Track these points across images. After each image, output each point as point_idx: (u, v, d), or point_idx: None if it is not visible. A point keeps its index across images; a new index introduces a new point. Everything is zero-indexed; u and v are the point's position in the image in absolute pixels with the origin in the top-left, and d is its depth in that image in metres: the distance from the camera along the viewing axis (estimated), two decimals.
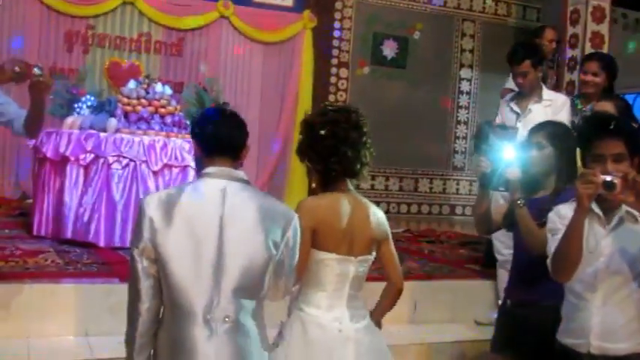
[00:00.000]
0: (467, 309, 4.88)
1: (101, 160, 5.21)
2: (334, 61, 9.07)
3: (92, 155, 5.24)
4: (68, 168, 5.26)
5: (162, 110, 5.64)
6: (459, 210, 9.85)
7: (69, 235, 5.18)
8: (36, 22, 7.57)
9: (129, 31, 8.03)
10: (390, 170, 9.39)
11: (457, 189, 9.86)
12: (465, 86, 9.81)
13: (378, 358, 2.73)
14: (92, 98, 5.80)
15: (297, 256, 2.45)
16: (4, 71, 3.05)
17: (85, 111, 5.70)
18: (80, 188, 5.24)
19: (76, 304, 3.99)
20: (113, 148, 5.23)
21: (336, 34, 9.06)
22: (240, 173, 2.43)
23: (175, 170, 5.35)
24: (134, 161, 5.25)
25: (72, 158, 5.27)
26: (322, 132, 2.64)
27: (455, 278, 5.20)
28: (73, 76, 6.99)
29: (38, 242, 5.15)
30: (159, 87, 5.76)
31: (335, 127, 2.64)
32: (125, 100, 5.58)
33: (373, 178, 9.29)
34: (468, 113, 9.83)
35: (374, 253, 2.75)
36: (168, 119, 5.61)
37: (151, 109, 5.60)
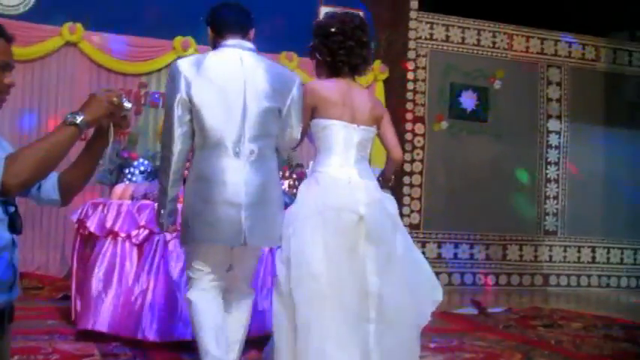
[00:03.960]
0: None
1: (157, 237, 4.28)
2: (409, 115, 8.14)
3: (146, 231, 4.32)
4: (117, 246, 4.37)
5: None
6: (553, 280, 8.67)
7: (117, 328, 4.23)
8: (85, 80, 6.88)
9: None
10: (474, 236, 8.32)
11: (550, 256, 8.69)
12: (553, 139, 8.76)
13: (389, 205, 3.20)
14: (145, 162, 4.94)
15: (301, 110, 3.09)
16: (98, 102, 2.06)
17: (138, 177, 4.85)
18: (132, 271, 4.31)
19: None
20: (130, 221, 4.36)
21: (410, 86, 8.15)
22: (250, 44, 3.08)
23: None
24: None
25: (122, 235, 4.36)
26: (332, 29, 3.19)
27: None
28: (123, 138, 6.19)
29: (81, 340, 4.20)
30: None
31: (343, 25, 3.20)
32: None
33: (456, 246, 8.24)
34: (558, 170, 8.74)
35: (375, 127, 3.28)
36: None
37: None
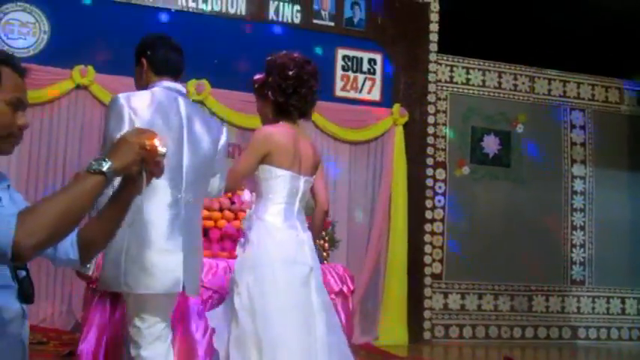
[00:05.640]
0: None
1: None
2: (429, 160, 7.86)
3: None
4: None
5: None
6: (581, 332, 8.27)
7: None
8: (96, 124, 6.58)
9: None
10: (498, 287, 7.98)
11: (578, 307, 8.31)
12: (578, 185, 8.46)
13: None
14: None
15: (227, 161, 3.17)
16: (129, 146, 1.69)
17: None
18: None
19: None
20: None
21: (430, 130, 7.89)
22: (184, 89, 3.08)
23: None
24: (219, 293, 4.01)
25: None
26: (290, 72, 3.20)
27: None
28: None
29: None
30: (246, 195, 4.58)
31: (301, 70, 3.22)
32: (205, 213, 4.40)
33: (480, 297, 7.88)
34: (584, 217, 8.42)
35: (314, 177, 3.32)
36: None
37: (237, 223, 4.42)
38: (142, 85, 3.07)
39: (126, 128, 2.73)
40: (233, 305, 3.08)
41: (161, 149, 1.78)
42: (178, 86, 3.04)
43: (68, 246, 1.90)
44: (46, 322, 6.63)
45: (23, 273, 1.77)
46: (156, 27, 6.87)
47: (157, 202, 2.82)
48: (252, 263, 3.08)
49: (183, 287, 2.88)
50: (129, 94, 2.93)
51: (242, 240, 3.23)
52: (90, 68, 6.66)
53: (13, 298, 1.74)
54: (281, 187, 3.16)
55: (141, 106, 2.86)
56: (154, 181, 2.56)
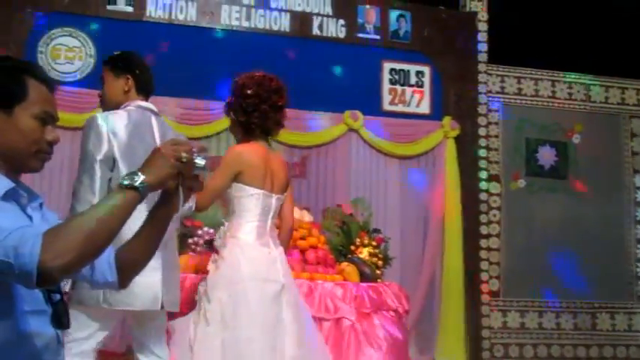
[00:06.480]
0: None
1: None
2: (483, 174, 7.56)
3: None
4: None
5: (303, 243, 4.25)
6: None
7: None
8: None
9: None
10: (560, 304, 7.60)
11: None
12: None
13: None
14: (211, 231, 4.49)
15: (208, 175, 3.18)
16: (163, 159, 1.59)
17: (203, 248, 4.39)
18: None
19: None
20: None
21: (483, 142, 7.62)
22: (154, 107, 3.22)
23: (326, 324, 3.89)
24: (322, 319, 3.85)
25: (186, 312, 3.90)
26: (248, 91, 3.32)
27: None
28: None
29: None
30: (295, 212, 4.40)
31: (259, 88, 3.33)
32: (298, 234, 4.27)
33: (540, 315, 7.54)
34: None
35: (286, 193, 3.43)
36: (311, 255, 4.21)
37: None
38: (117, 99, 3.16)
39: (105, 148, 2.88)
40: (203, 314, 3.17)
41: (199, 161, 1.62)
42: (151, 106, 3.17)
43: (105, 267, 1.76)
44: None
45: (57, 296, 1.62)
46: (200, 46, 6.82)
47: (134, 219, 2.74)
48: (225, 281, 3.16)
49: (162, 305, 3.00)
50: (107, 113, 3.04)
51: (215, 256, 3.31)
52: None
53: (47, 324, 1.59)
54: (253, 205, 3.24)
55: (119, 126, 2.96)
56: None
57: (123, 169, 2.90)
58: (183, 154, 1.58)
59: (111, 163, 2.91)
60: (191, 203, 3.15)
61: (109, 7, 6.69)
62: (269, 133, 3.43)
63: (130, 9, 6.73)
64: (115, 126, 2.96)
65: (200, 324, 3.15)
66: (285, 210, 3.48)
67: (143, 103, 3.14)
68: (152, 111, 3.16)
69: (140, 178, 1.53)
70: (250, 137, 3.38)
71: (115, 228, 1.49)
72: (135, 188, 1.51)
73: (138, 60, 3.26)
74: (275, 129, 3.44)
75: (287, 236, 3.56)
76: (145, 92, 3.18)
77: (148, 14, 6.78)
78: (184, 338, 3.18)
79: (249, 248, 3.22)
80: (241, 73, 3.52)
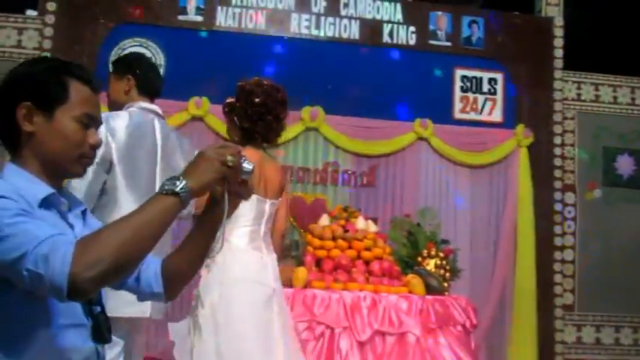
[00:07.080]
0: None
1: None
2: (557, 184, 7.34)
3: None
4: None
5: (367, 254, 4.20)
6: None
7: None
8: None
9: (313, 160, 6.89)
10: (638, 319, 7.30)
11: None
12: None
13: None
14: None
15: None
16: (207, 163, 1.50)
17: None
18: None
19: None
20: (302, 310, 3.85)
21: (558, 151, 7.39)
22: (158, 109, 3.20)
23: (390, 339, 3.82)
24: (332, 328, 3.80)
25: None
26: (256, 100, 3.31)
27: None
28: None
29: None
30: (360, 223, 4.36)
31: (267, 98, 3.33)
32: (317, 242, 4.23)
33: (617, 330, 7.26)
34: None
35: (279, 200, 3.44)
36: (376, 266, 4.15)
37: (351, 252, 4.19)
38: (120, 100, 3.15)
39: (101, 150, 2.76)
40: (196, 321, 3.16)
41: (247, 166, 1.56)
42: (155, 107, 3.15)
43: (151, 278, 1.69)
44: (166, 355, 6.63)
45: (98, 309, 1.57)
46: (269, 55, 6.86)
47: None
48: (216, 282, 3.16)
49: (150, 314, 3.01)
50: (107, 114, 2.97)
51: (207, 260, 3.30)
52: (204, 99, 6.70)
53: (86, 338, 1.53)
54: (247, 210, 3.23)
55: (119, 127, 2.94)
56: (127, 202, 2.76)
57: (120, 171, 2.89)
58: (229, 158, 1.50)
59: (107, 165, 2.88)
60: (190, 208, 3.08)
61: (180, 18, 6.81)
62: (268, 142, 3.45)
63: (200, 18, 6.83)
64: (114, 127, 2.92)
65: (195, 331, 3.16)
66: (277, 215, 3.49)
67: (146, 105, 3.10)
68: (155, 112, 3.12)
69: (182, 184, 1.43)
70: (248, 143, 3.37)
71: (152, 237, 1.38)
72: (176, 194, 1.42)
73: (140, 61, 3.25)
74: (275, 139, 3.47)
75: (277, 240, 3.55)
76: (148, 93, 3.15)
77: (217, 23, 6.86)
78: (186, 343, 3.18)
79: (241, 252, 3.23)
80: (247, 77, 3.50)
